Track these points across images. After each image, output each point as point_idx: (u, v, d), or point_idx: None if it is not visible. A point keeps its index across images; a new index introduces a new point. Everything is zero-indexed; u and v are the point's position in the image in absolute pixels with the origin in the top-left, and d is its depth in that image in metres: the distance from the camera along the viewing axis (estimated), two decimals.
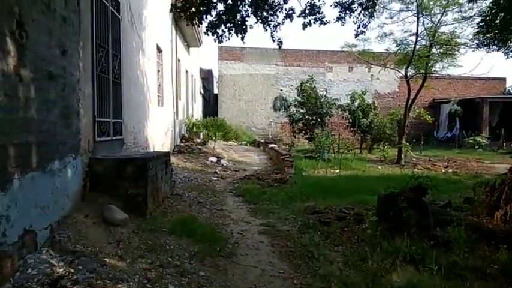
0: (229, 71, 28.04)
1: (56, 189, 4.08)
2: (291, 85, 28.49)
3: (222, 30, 6.16)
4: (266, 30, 6.04)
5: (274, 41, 6.24)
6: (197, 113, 22.98)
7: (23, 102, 3.39)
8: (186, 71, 17.66)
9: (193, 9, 6.00)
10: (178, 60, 14.78)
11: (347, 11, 5.57)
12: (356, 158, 16.89)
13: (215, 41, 6.37)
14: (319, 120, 17.65)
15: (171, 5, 6.57)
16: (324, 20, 5.77)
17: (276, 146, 16.28)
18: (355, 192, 8.56)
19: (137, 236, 4.51)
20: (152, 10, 9.37)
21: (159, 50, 10.69)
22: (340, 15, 5.69)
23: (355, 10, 5.58)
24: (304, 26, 5.79)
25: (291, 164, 11.27)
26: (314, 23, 5.80)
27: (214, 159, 12.62)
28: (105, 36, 5.71)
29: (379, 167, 14.87)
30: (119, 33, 6.42)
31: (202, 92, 27.85)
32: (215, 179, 9.98)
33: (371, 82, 29.42)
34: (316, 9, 5.70)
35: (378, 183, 10.16)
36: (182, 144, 14.37)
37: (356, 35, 6.10)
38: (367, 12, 5.60)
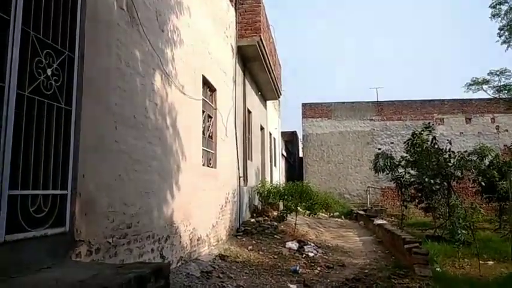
0: (315, 129, 24.36)
1: None
2: (391, 142, 23.66)
3: None
4: None
5: None
6: (279, 178, 19.28)
7: None
8: (262, 127, 14.35)
9: None
10: (249, 112, 11.54)
11: None
12: (500, 239, 11.32)
13: None
14: (445, 184, 12.54)
15: None
16: None
17: (385, 222, 11.54)
18: None
19: None
20: (194, 25, 6.26)
21: (210, 87, 7.45)
22: None
23: None
24: None
25: (424, 259, 6.59)
26: None
27: (294, 245, 8.45)
28: None
29: None
30: (77, 12, 3.12)
31: (285, 154, 24.35)
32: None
33: (497, 135, 23.20)
34: None
35: None
36: (252, 220, 10.51)
37: None
38: None
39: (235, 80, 9.54)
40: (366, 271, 6.98)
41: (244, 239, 8.54)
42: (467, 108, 23.35)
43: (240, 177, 9.69)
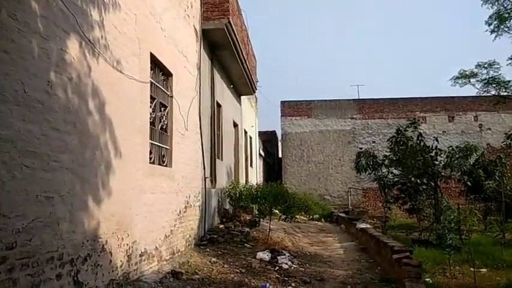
0: (295, 128, 23.38)
1: None
2: (373, 141, 22.87)
3: None
4: None
5: None
6: (256, 179, 18.17)
7: None
8: (235, 124, 13.21)
9: None
10: (218, 105, 10.38)
11: None
12: (490, 242, 10.56)
13: None
14: (431, 183, 11.68)
15: None
16: None
17: (368, 226, 10.54)
18: None
19: None
20: None
21: (163, 70, 6.26)
22: None
23: None
24: None
25: (416, 271, 5.56)
26: None
27: (266, 255, 7.33)
28: None
29: None
30: None
31: (263, 154, 23.24)
32: None
33: (480, 134, 22.74)
34: None
35: None
36: (222, 226, 9.35)
37: None
38: None
39: (200, 68, 8.37)
40: (349, 287, 5.92)
41: (208, 249, 7.37)
42: (450, 106, 22.82)
43: (206, 178, 8.52)
